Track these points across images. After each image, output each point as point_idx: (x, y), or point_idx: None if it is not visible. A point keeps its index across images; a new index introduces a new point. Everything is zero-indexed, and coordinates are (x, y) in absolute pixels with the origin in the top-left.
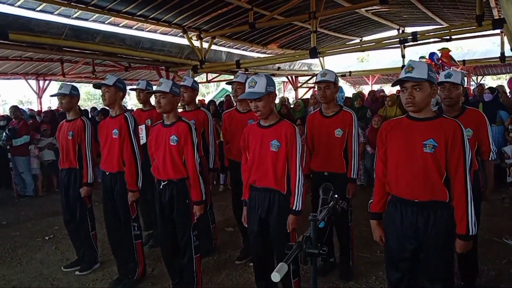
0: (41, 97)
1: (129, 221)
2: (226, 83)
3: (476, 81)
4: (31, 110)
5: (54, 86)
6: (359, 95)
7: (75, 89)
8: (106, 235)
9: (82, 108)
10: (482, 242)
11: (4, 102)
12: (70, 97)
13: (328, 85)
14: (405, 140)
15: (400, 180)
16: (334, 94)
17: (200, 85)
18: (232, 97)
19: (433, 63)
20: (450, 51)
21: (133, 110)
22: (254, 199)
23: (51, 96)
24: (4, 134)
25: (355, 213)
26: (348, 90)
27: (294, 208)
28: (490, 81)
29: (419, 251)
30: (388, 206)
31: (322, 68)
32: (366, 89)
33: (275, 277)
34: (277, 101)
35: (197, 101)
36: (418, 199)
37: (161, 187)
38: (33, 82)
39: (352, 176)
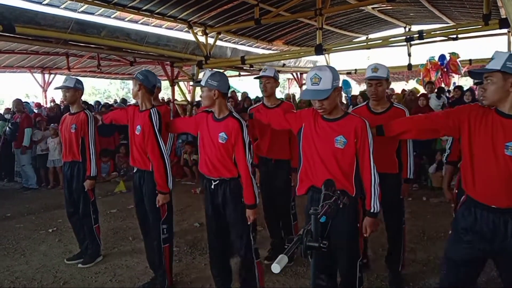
0: (46, 90)
1: (158, 222)
2: (255, 78)
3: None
4: (38, 103)
5: (59, 80)
6: (365, 93)
7: (79, 82)
8: (109, 229)
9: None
10: None
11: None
12: (74, 90)
13: (380, 82)
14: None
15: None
16: (385, 90)
17: None
18: (236, 93)
19: (442, 66)
20: (459, 57)
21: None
22: (316, 201)
23: (56, 88)
24: (7, 128)
25: None
26: (355, 88)
27: (371, 210)
28: None
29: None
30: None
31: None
32: None
33: (275, 268)
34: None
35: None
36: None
37: (212, 186)
38: (38, 76)
39: (408, 176)
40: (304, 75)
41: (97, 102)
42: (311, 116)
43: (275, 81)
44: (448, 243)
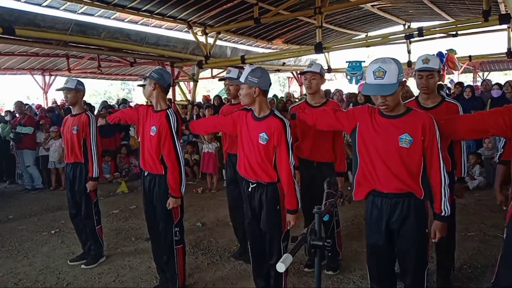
0: (47, 92)
1: (171, 226)
2: (219, 80)
3: (482, 77)
4: (39, 105)
5: (60, 82)
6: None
7: (80, 83)
8: (112, 229)
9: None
10: (485, 239)
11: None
12: (75, 91)
13: (431, 73)
14: None
15: None
16: (437, 83)
17: (205, 80)
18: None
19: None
20: (456, 54)
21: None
22: (377, 207)
23: (57, 90)
24: (7, 129)
25: (347, 206)
26: (354, 87)
27: (442, 214)
28: (496, 77)
29: None
30: None
31: (328, 63)
32: None
33: (280, 267)
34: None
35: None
36: None
37: (249, 189)
38: (39, 78)
39: (463, 175)
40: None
41: (104, 102)
42: (367, 113)
43: (321, 77)
44: (507, 246)
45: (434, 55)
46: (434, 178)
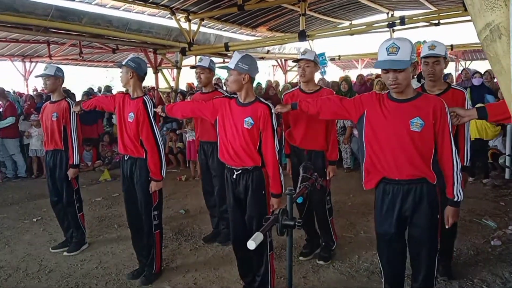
0: (28, 79)
1: (150, 209)
2: (190, 68)
3: (464, 66)
4: (20, 93)
5: (40, 68)
6: (346, 78)
7: (59, 70)
8: (95, 217)
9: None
10: (463, 223)
11: None
12: (54, 78)
13: (438, 60)
14: None
15: None
16: (443, 70)
17: (188, 68)
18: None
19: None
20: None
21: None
22: (388, 195)
23: (36, 76)
24: None
25: (340, 195)
26: (339, 73)
27: (455, 199)
28: (478, 66)
29: None
30: None
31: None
32: (355, 73)
33: (251, 245)
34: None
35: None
36: None
37: (234, 176)
38: (19, 64)
39: (465, 164)
40: (289, 62)
41: (90, 89)
42: (375, 99)
43: (315, 65)
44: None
45: (440, 42)
46: (447, 163)
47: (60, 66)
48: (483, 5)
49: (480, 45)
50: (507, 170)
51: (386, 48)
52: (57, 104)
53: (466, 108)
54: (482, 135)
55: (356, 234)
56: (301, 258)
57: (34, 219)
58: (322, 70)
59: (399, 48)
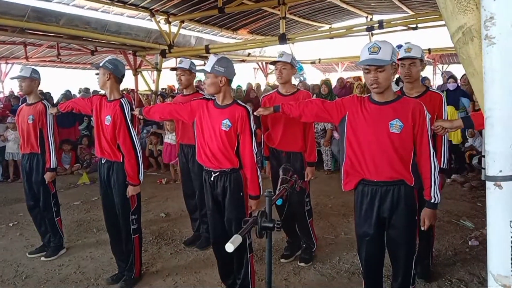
0: (3, 81)
1: (128, 213)
2: (171, 69)
3: (441, 70)
4: None
5: (17, 70)
6: (326, 81)
7: (35, 72)
8: (73, 221)
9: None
10: (441, 224)
11: None
12: (30, 80)
13: (414, 61)
14: None
15: None
16: (420, 72)
17: (168, 70)
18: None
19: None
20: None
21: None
22: (367, 196)
23: (12, 78)
24: None
25: (321, 197)
26: (319, 76)
27: (432, 200)
28: (455, 69)
29: None
30: None
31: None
32: (336, 76)
33: (229, 247)
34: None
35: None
36: None
37: (212, 178)
38: None
39: (442, 166)
40: (270, 66)
41: (67, 91)
42: (356, 102)
43: (292, 67)
44: None
45: (417, 45)
46: (424, 165)
47: (37, 68)
48: (455, 8)
49: None
50: (482, 171)
51: (368, 48)
52: (33, 107)
53: (443, 110)
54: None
55: (337, 235)
56: (282, 260)
57: (10, 224)
58: (302, 77)
59: (380, 48)
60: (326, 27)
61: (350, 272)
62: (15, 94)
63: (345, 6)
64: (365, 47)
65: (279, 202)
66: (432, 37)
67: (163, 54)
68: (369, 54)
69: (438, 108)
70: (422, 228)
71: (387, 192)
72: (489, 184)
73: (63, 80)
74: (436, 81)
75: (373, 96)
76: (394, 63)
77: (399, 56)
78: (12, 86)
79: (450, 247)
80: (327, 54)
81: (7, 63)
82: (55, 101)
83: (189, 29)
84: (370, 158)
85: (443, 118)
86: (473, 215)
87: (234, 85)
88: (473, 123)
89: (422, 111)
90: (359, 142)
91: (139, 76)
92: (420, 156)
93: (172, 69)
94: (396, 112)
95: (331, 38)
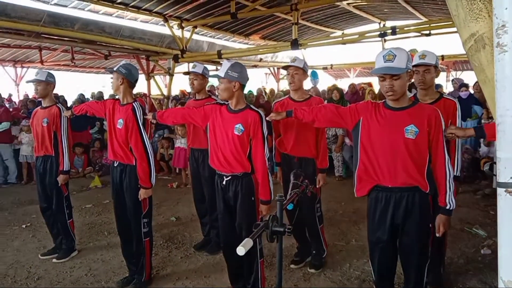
0: (19, 84)
1: (139, 216)
2: (184, 74)
3: (454, 76)
4: (9, 98)
5: (32, 74)
6: (337, 87)
7: (51, 76)
8: (85, 224)
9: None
10: (454, 232)
11: None
12: (46, 83)
13: (428, 68)
14: None
15: None
16: (434, 78)
17: (181, 75)
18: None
19: None
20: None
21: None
22: (381, 202)
23: (27, 82)
24: None
25: (332, 203)
26: (331, 82)
27: (447, 207)
28: (468, 76)
29: None
30: None
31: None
32: (347, 82)
33: (240, 251)
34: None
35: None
36: None
37: (224, 182)
38: (10, 69)
39: (455, 173)
40: (281, 71)
41: (80, 95)
42: (371, 107)
43: (304, 72)
44: None
45: (431, 51)
46: (440, 171)
47: (51, 71)
48: (467, 15)
49: None
50: (494, 178)
51: (383, 56)
52: (48, 110)
53: (456, 117)
54: None
55: (348, 242)
56: (292, 266)
57: (23, 226)
58: (315, 84)
59: (396, 56)
60: (339, 33)
61: (360, 279)
62: (30, 97)
63: (358, 12)
64: (380, 54)
65: (290, 206)
66: (446, 43)
67: (176, 59)
68: (384, 62)
69: (452, 115)
70: (437, 235)
71: (402, 198)
72: (500, 191)
73: (77, 84)
74: (448, 88)
75: (388, 102)
76: (409, 70)
77: (413, 63)
78: (27, 90)
79: (463, 255)
80: (339, 60)
81: (22, 67)
82: (69, 105)
83: (202, 34)
84: (385, 164)
85: (457, 126)
86: (485, 223)
87: (245, 90)
88: (485, 134)
89: (438, 117)
90: (373, 147)
91: (151, 81)
92: (435, 162)
93: (185, 73)
94: (412, 118)
95: (344, 44)
